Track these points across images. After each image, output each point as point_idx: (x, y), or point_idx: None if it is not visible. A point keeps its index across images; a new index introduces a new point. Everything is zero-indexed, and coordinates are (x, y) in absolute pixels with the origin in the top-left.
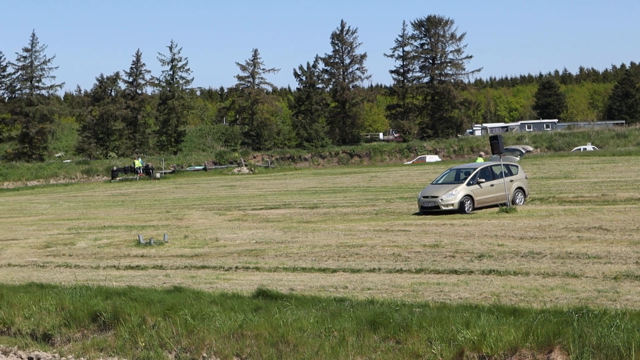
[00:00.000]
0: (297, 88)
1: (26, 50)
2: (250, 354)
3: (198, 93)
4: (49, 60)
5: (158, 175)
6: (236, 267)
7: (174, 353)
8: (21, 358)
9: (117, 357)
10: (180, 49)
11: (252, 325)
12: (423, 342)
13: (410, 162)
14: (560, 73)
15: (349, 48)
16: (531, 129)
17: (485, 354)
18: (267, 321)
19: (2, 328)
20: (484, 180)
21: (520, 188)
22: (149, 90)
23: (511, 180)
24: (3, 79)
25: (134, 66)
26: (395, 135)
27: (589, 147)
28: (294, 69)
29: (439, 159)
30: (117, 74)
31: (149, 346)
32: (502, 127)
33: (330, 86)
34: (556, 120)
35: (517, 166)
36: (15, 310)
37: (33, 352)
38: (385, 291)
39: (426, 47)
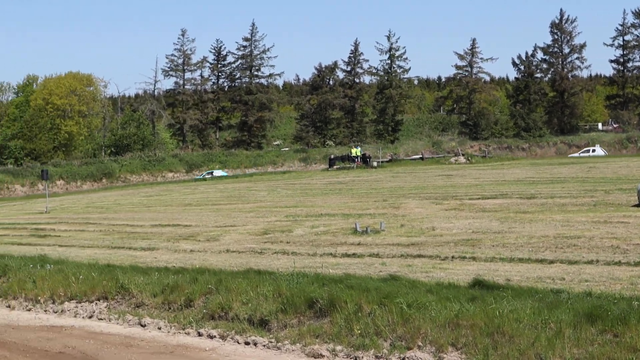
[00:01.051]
0: (515, 77)
1: (246, 39)
2: (465, 343)
3: (415, 82)
4: (268, 49)
5: (375, 163)
6: (452, 257)
7: (389, 341)
8: (238, 342)
9: (332, 343)
10: (398, 38)
11: (468, 315)
12: None
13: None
14: None
15: (568, 37)
16: None
17: None
18: (482, 311)
19: (220, 313)
20: None
21: None
22: (366, 79)
23: None
24: (223, 68)
25: (352, 55)
26: (614, 125)
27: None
28: (512, 58)
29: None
30: (335, 63)
31: (364, 334)
32: None
33: (549, 76)
34: None
35: None
36: (233, 295)
37: (250, 337)
38: (602, 283)
39: None
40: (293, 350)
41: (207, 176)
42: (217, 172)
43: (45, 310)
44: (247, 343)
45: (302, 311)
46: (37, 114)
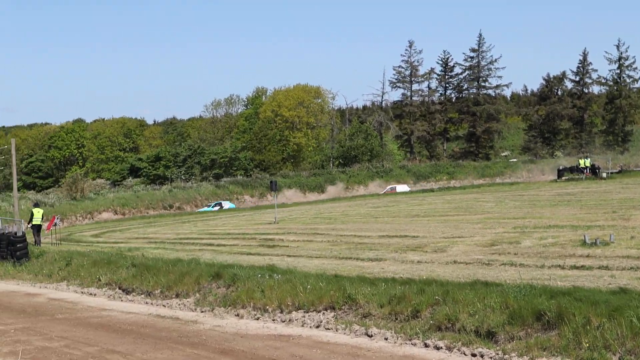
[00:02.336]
0: None
1: (473, 50)
2: None
3: None
4: (495, 60)
5: (604, 174)
6: None
7: (618, 355)
8: (465, 354)
9: (560, 357)
10: (628, 47)
11: None
12: None
13: (383, 192)
14: None
15: None
16: None
17: None
18: None
19: (446, 324)
20: None
21: None
22: (595, 89)
23: None
24: (451, 79)
25: (580, 65)
26: None
27: None
28: None
29: (408, 189)
30: (563, 73)
31: (593, 347)
32: None
33: None
34: None
35: None
36: (459, 307)
37: (477, 348)
38: None
39: None
40: None
41: (215, 207)
42: (226, 204)
43: (273, 320)
44: (473, 355)
45: (530, 323)
46: (266, 126)
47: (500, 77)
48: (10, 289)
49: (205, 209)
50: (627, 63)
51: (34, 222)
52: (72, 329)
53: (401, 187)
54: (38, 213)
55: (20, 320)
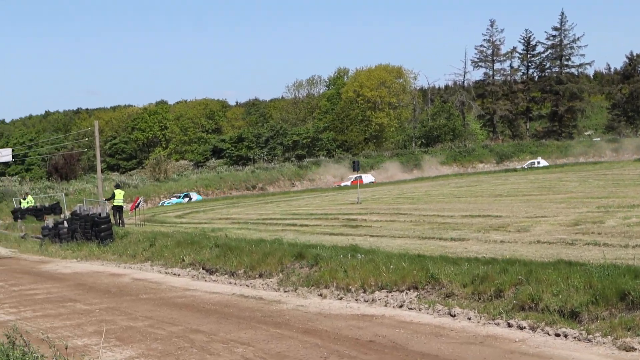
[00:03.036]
0: None
1: (555, 29)
2: None
3: None
4: (578, 38)
5: None
6: None
7: None
8: (548, 334)
9: None
10: None
11: None
12: None
13: (349, 183)
14: None
15: None
16: None
17: None
18: None
19: (529, 304)
20: None
21: None
22: None
23: None
24: (533, 58)
25: None
26: None
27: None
28: None
29: (373, 179)
30: None
31: None
32: None
33: None
34: None
35: None
36: (543, 286)
37: (560, 328)
38: None
39: None
40: (604, 343)
41: (184, 200)
42: (194, 196)
43: (356, 300)
44: (557, 335)
45: (613, 303)
46: (348, 106)
47: (582, 55)
48: (95, 269)
49: (174, 200)
50: None
51: (115, 203)
52: (156, 309)
53: (367, 177)
54: (120, 194)
55: (105, 300)
